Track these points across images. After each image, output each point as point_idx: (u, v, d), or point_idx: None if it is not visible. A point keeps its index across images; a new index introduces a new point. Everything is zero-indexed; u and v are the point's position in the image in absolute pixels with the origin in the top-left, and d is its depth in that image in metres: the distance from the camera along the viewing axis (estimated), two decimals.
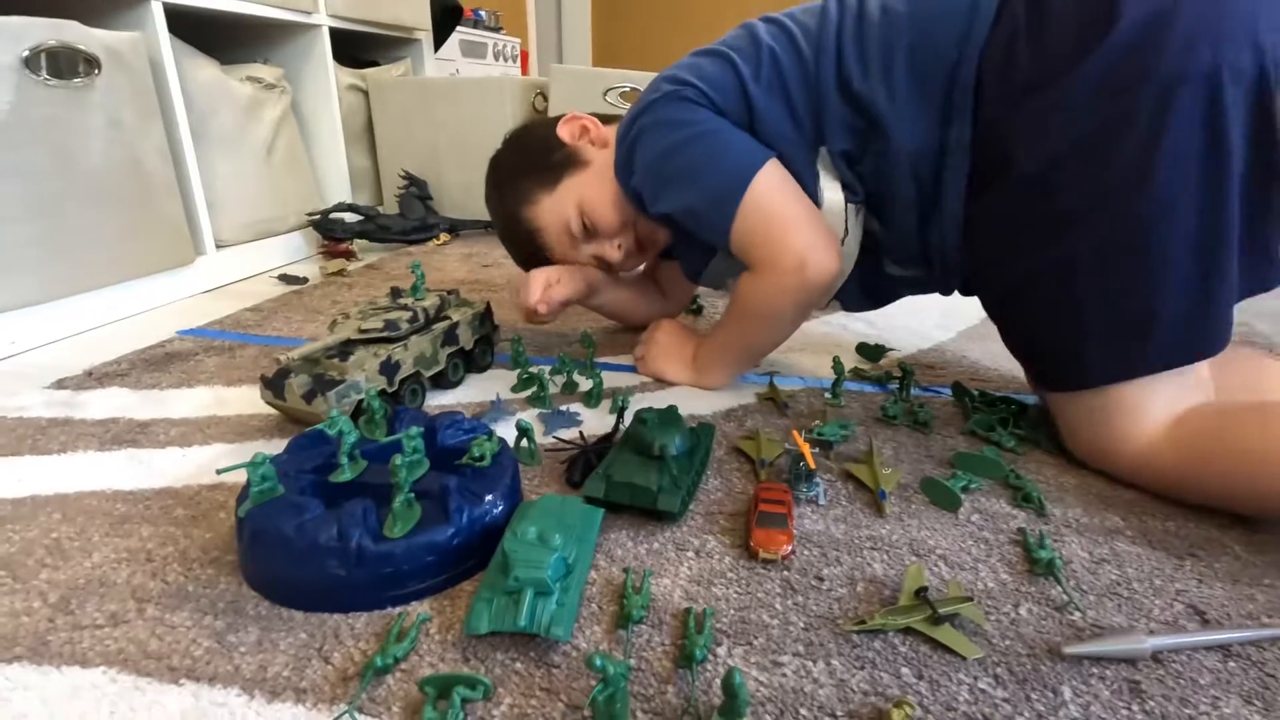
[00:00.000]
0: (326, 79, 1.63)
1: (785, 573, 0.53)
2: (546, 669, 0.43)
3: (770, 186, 0.73)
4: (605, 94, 1.69)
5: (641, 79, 1.68)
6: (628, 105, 1.69)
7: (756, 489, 0.60)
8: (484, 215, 1.83)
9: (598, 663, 0.38)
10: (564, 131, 0.89)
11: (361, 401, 0.69)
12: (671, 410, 0.66)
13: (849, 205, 0.75)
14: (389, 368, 0.74)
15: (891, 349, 0.99)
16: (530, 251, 0.93)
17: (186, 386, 0.85)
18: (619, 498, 0.57)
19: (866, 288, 0.84)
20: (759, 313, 0.79)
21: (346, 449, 0.56)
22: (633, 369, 0.92)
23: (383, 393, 0.73)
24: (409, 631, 0.46)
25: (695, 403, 0.81)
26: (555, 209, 0.88)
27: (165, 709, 0.40)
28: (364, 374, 0.71)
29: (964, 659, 0.44)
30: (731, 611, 0.48)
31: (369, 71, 1.84)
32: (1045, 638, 0.46)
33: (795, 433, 0.64)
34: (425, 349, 0.79)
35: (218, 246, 1.34)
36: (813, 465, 0.60)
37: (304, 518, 0.48)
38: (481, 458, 0.57)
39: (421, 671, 0.43)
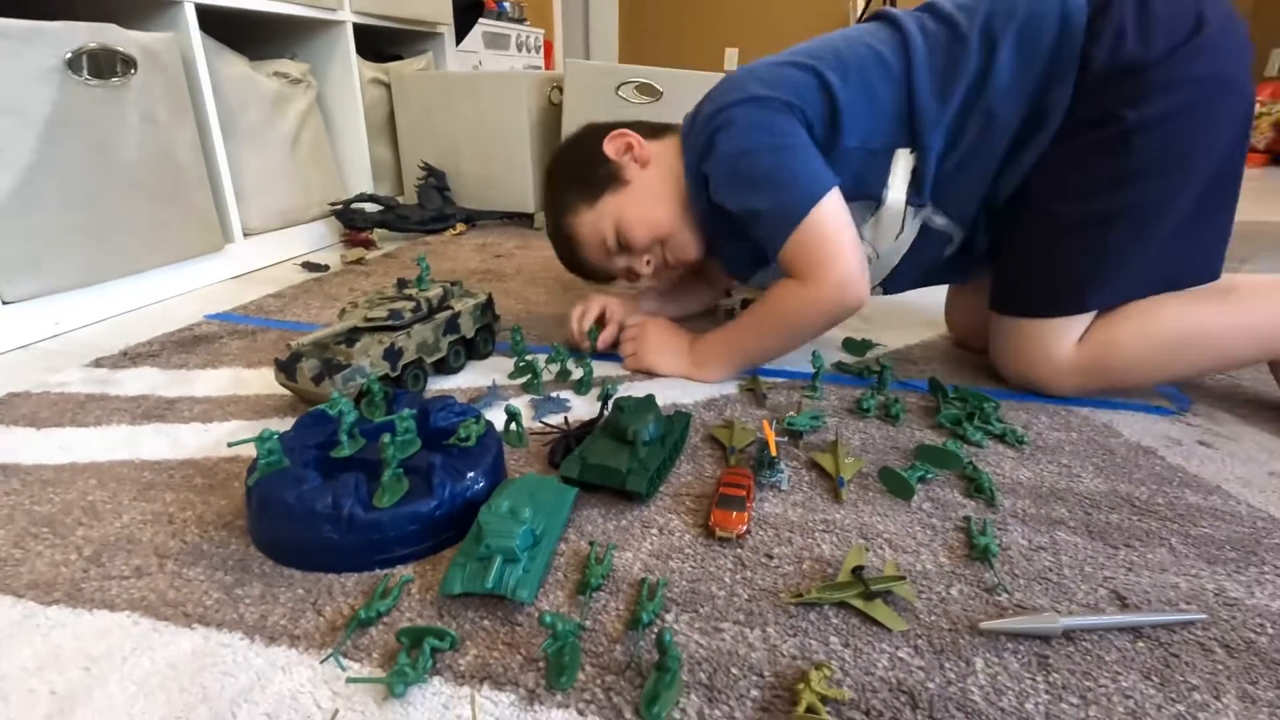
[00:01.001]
0: (350, 73, 1.69)
1: (739, 550, 0.57)
2: (510, 627, 0.49)
3: (833, 212, 0.79)
4: (618, 88, 1.73)
5: (658, 74, 1.71)
6: (642, 98, 1.73)
7: (721, 473, 0.64)
8: (499, 207, 1.90)
9: (548, 619, 0.43)
10: (609, 147, 0.93)
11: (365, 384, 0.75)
12: (648, 399, 0.70)
13: (908, 207, 0.85)
14: (392, 354, 0.80)
15: (877, 344, 1.02)
16: (570, 256, 0.99)
17: (211, 367, 0.92)
18: (592, 478, 0.62)
19: (913, 270, 0.93)
20: (787, 319, 0.84)
21: (346, 427, 0.62)
22: (621, 359, 0.96)
23: (386, 377, 0.79)
24: (392, 590, 0.51)
25: (679, 393, 0.86)
26: (593, 223, 0.93)
27: (179, 648, 0.47)
28: (369, 359, 0.77)
29: (889, 631, 0.49)
30: (684, 583, 0.53)
31: (391, 65, 1.90)
32: (969, 615, 0.50)
33: (765, 422, 0.69)
34: (427, 337, 0.85)
35: (245, 235, 1.41)
36: (774, 452, 0.65)
37: (303, 487, 0.54)
38: (467, 438, 0.63)
39: (401, 625, 0.49)
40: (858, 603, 0.51)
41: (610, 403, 0.77)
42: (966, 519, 0.61)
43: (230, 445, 0.55)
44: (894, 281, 0.94)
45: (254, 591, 0.52)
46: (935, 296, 1.09)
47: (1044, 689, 0.44)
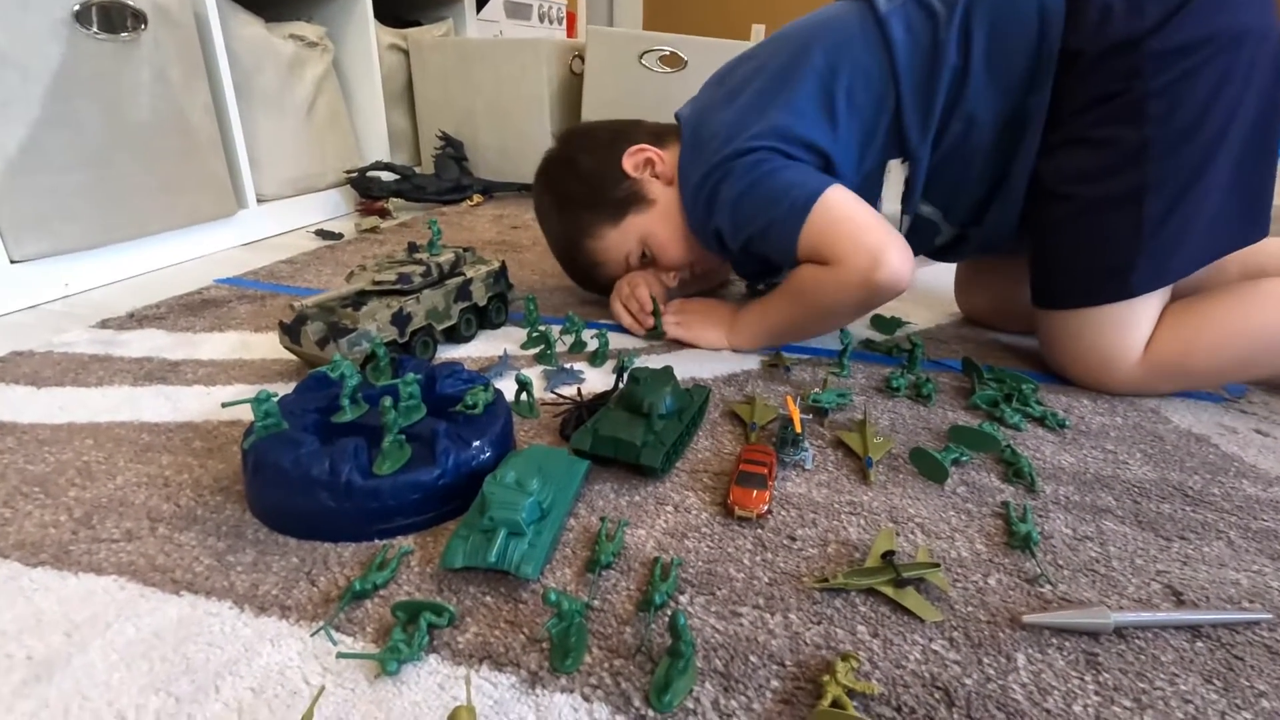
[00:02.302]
0: (368, 38, 1.65)
1: (759, 531, 0.54)
2: (514, 604, 0.46)
3: (841, 197, 0.74)
4: (641, 56, 1.67)
5: (684, 43, 1.65)
6: (665, 69, 1.67)
7: (741, 450, 0.61)
8: (516, 178, 1.86)
9: (552, 598, 0.40)
10: (629, 164, 0.89)
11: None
12: (665, 371, 0.67)
13: (904, 216, 0.82)
14: (400, 319, 0.77)
15: (907, 322, 0.97)
16: (589, 277, 0.96)
17: (217, 331, 0.90)
18: (604, 451, 0.59)
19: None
20: (815, 303, 0.79)
21: (348, 392, 0.59)
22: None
23: (393, 343, 0.76)
24: (390, 562, 0.49)
25: (698, 366, 0.82)
26: (620, 244, 0.90)
27: (165, 615, 0.44)
28: (375, 324, 0.74)
29: (922, 621, 0.45)
30: (700, 563, 0.50)
31: (410, 31, 1.86)
32: (1009, 607, 0.47)
33: (789, 398, 0.65)
34: (437, 303, 0.82)
35: (259, 201, 1.39)
36: (799, 429, 0.61)
37: (300, 452, 0.51)
38: (474, 406, 0.59)
39: (398, 599, 0.46)
40: (888, 590, 0.47)
41: (625, 375, 0.73)
42: (1005, 504, 0.57)
43: (225, 405, 0.52)
44: None
45: (246, 559, 0.49)
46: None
47: (1094, 690, 0.41)
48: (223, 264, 1.20)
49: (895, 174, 0.81)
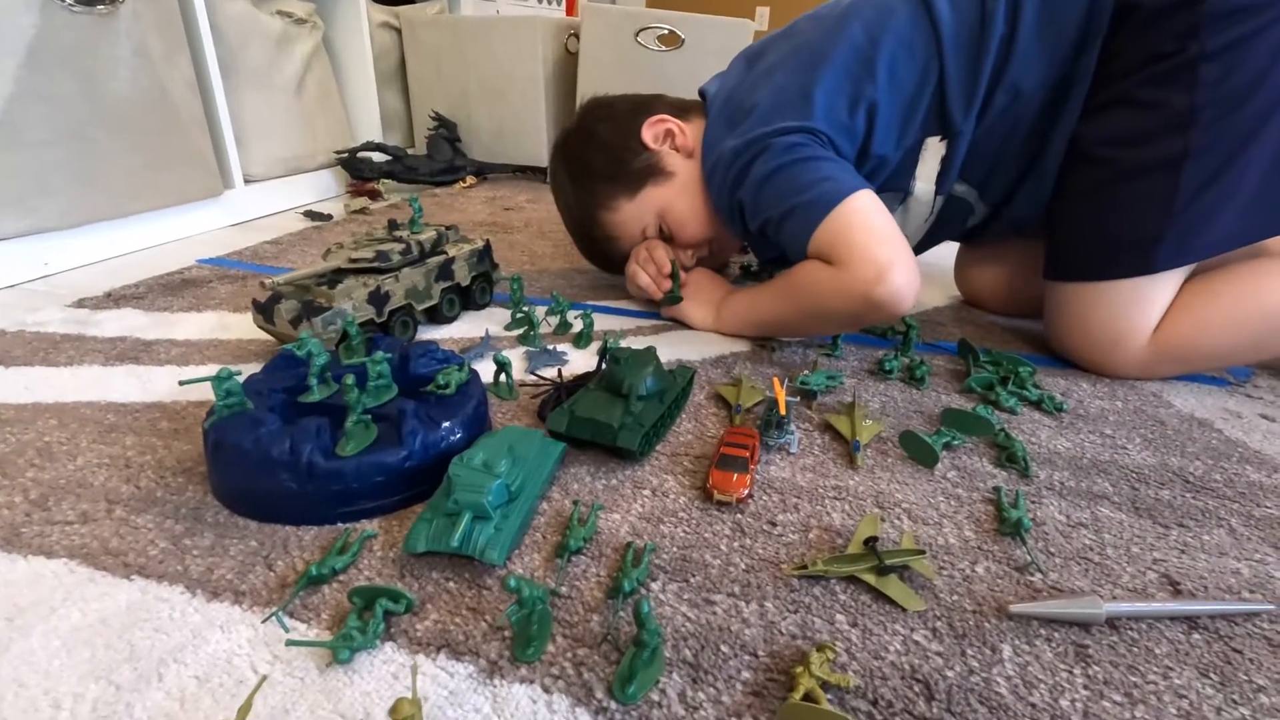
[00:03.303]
0: (359, 15, 1.62)
1: (738, 516, 0.51)
2: (478, 590, 0.44)
3: (869, 204, 0.70)
4: (638, 34, 1.63)
5: (681, 20, 1.61)
6: (663, 48, 1.64)
7: (724, 433, 0.58)
8: (511, 159, 1.83)
9: (513, 583, 0.38)
10: (648, 134, 0.86)
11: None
12: (647, 351, 0.65)
13: (938, 196, 0.79)
14: (378, 298, 0.75)
15: None
16: (602, 251, 0.93)
17: (195, 311, 0.88)
18: (580, 433, 0.57)
19: (929, 244, 0.89)
20: (807, 302, 0.75)
21: (316, 371, 0.57)
22: (630, 312, 0.90)
23: (370, 323, 0.74)
24: (352, 546, 0.47)
25: (685, 348, 0.79)
26: (636, 218, 0.86)
27: (114, 600, 0.42)
28: (351, 302, 0.72)
29: (904, 611, 0.43)
30: (675, 549, 0.48)
31: (403, 10, 1.82)
32: (997, 596, 0.44)
33: (775, 380, 0.62)
34: (417, 282, 0.80)
35: (246, 181, 1.36)
36: (784, 412, 0.59)
37: (260, 431, 0.49)
38: (446, 386, 0.57)
39: (357, 584, 0.44)
40: (869, 578, 0.45)
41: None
42: (996, 490, 0.55)
43: (182, 384, 0.50)
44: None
45: (204, 542, 0.47)
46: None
47: (1082, 683, 0.38)
48: (209, 245, 1.18)
49: (931, 152, 0.77)
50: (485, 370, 0.72)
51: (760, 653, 0.40)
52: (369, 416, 0.52)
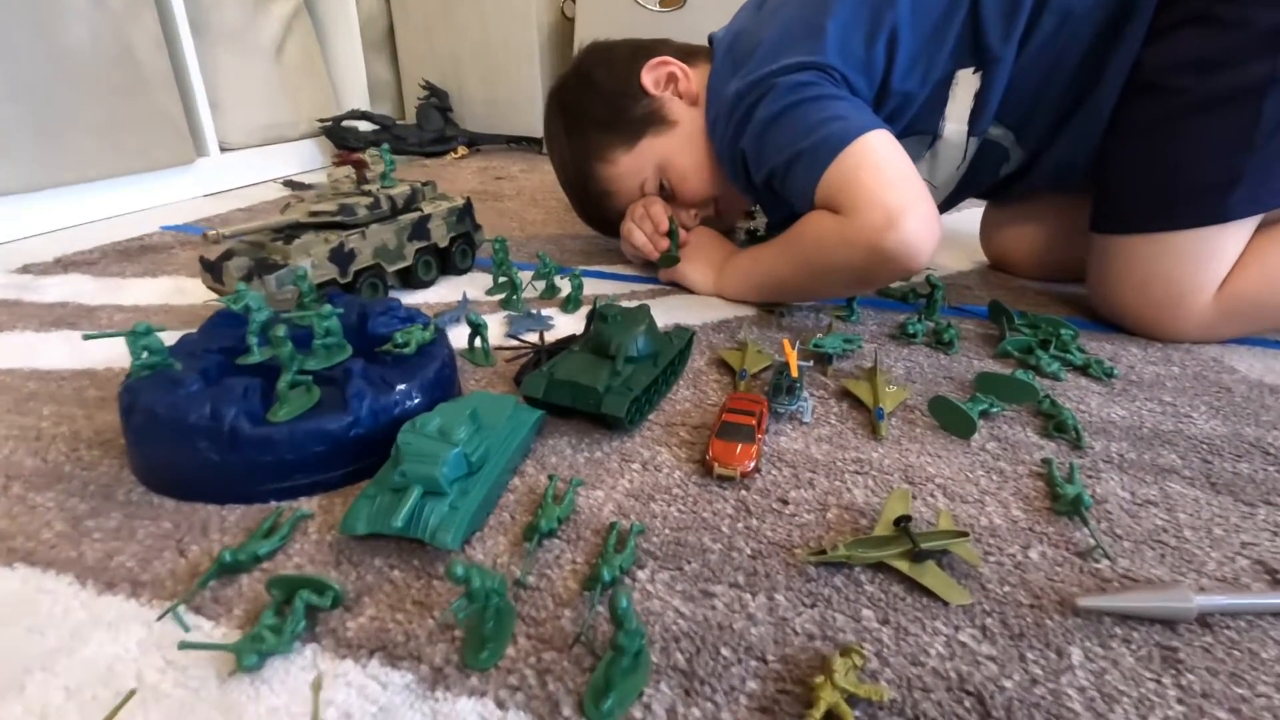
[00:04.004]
0: None
1: (743, 493, 0.44)
2: (427, 580, 0.36)
3: (882, 144, 0.61)
4: None
5: None
6: (662, 9, 1.55)
7: (727, 398, 0.51)
8: (505, 130, 1.75)
9: (459, 571, 0.30)
10: (649, 79, 0.77)
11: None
12: (639, 309, 0.57)
13: (970, 139, 0.70)
14: (341, 256, 0.67)
15: (926, 268, 0.86)
16: (596, 208, 0.84)
17: (150, 276, 0.80)
18: (559, 398, 0.49)
19: (959, 198, 0.80)
20: (811, 257, 0.66)
21: (254, 328, 0.49)
22: (624, 277, 0.83)
23: (333, 283, 0.67)
24: (281, 527, 0.39)
25: (684, 313, 0.72)
26: (634, 170, 0.78)
27: None
28: (310, 259, 0.64)
29: (946, 605, 0.35)
30: (667, 531, 0.40)
31: None
32: (1058, 587, 0.37)
33: (785, 341, 0.54)
34: (388, 240, 0.72)
35: (222, 149, 1.29)
36: (795, 374, 0.51)
37: (178, 394, 0.42)
38: (405, 344, 0.50)
39: (280, 574, 0.36)
40: (901, 565, 0.37)
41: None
42: (1046, 462, 0.47)
43: (86, 338, 0.42)
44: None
45: (109, 524, 0.40)
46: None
47: (1175, 696, 0.31)
48: (180, 214, 1.11)
49: (963, 87, 0.68)
50: (461, 337, 0.64)
51: (770, 657, 0.32)
52: (310, 378, 0.45)
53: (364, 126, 1.52)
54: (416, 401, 0.46)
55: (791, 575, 0.37)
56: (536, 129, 1.69)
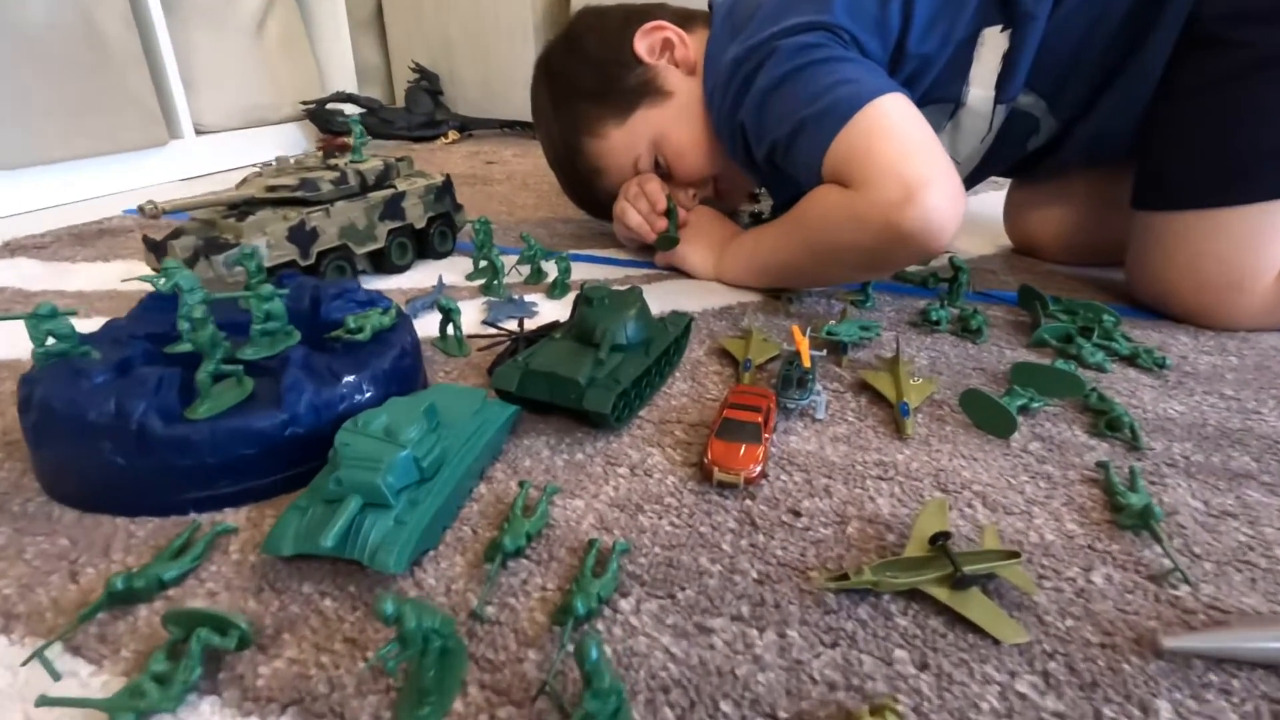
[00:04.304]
0: None
1: (747, 503, 0.37)
2: (364, 611, 0.30)
3: (897, 108, 0.55)
4: None
5: None
6: None
7: (729, 392, 0.44)
8: (499, 114, 1.68)
9: (389, 609, 0.24)
10: (641, 45, 0.70)
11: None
12: (630, 292, 0.50)
13: (998, 106, 0.63)
14: (302, 235, 0.61)
15: (947, 251, 0.80)
16: (586, 188, 0.77)
17: (102, 260, 0.74)
18: (536, 392, 0.43)
19: (985, 172, 0.73)
20: (818, 237, 0.59)
21: (186, 310, 0.43)
22: (618, 261, 0.76)
23: (292, 264, 0.60)
24: (195, 545, 0.33)
25: (683, 300, 0.65)
26: (626, 145, 0.71)
27: None
28: (266, 238, 0.58)
29: (997, 644, 0.29)
30: (657, 549, 0.34)
31: None
32: (1132, 621, 0.30)
33: (795, 328, 0.48)
34: (356, 219, 0.65)
35: (198, 131, 1.22)
36: (807, 364, 0.44)
37: (80, 386, 0.36)
38: (359, 330, 0.43)
39: (194, 603, 0.30)
40: (940, 593, 0.30)
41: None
42: (1102, 466, 0.40)
43: None
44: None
45: None
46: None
47: None
48: (151, 198, 1.04)
49: (990, 48, 0.61)
50: (434, 326, 0.58)
51: (781, 714, 0.26)
52: (241, 368, 0.38)
53: (350, 109, 1.45)
54: (368, 395, 0.40)
55: (807, 605, 0.31)
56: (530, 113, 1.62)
